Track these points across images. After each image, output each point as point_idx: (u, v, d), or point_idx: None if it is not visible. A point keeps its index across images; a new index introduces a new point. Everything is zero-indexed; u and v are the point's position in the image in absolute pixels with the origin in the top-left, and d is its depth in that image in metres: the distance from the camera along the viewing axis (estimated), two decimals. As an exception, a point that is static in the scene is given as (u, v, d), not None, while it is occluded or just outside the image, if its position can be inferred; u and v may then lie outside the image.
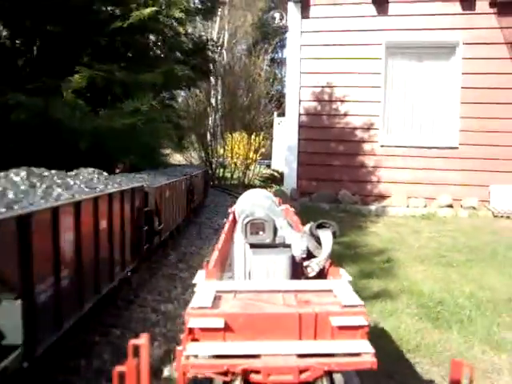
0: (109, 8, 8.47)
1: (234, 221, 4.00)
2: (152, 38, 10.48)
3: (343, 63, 12.66)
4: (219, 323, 2.15)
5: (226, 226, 3.98)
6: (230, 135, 22.28)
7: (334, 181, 12.44)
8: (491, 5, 12.05)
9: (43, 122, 6.67)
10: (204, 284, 2.63)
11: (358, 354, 2.08)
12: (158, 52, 11.18)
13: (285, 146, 13.43)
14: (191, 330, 2.14)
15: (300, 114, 12.86)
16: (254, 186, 16.46)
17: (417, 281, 6.27)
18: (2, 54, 7.50)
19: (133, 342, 2.01)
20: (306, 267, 3.04)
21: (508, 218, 11.35)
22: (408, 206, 11.97)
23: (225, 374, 2.04)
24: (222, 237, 3.65)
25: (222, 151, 21.98)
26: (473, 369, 2.02)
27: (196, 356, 2.08)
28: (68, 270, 3.82)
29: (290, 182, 12.91)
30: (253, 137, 22.29)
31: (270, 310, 2.27)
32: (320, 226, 3.08)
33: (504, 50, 12.07)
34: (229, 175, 21.40)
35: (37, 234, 3.36)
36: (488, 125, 12.02)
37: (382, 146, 12.56)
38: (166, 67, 8.69)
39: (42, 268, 3.39)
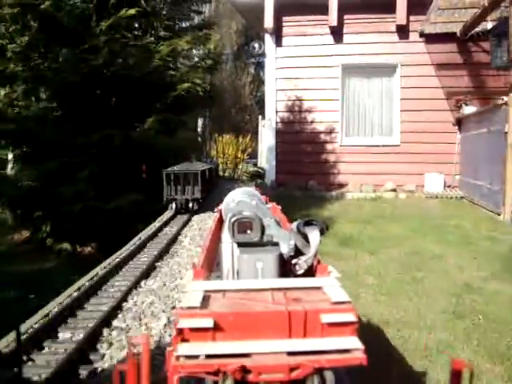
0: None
1: (221, 220, 4.24)
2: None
3: (309, 81, 16.90)
4: (209, 323, 2.22)
5: (213, 225, 4.21)
6: (219, 137, 26.10)
7: (304, 174, 16.67)
8: (420, 35, 16.39)
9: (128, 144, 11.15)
10: (192, 284, 2.72)
11: (347, 351, 2.17)
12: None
13: (265, 147, 17.74)
14: (181, 331, 2.21)
15: (277, 122, 17.13)
16: (243, 181, 20.75)
17: (342, 229, 10.63)
18: (96, 106, 11.44)
19: (133, 341, 2.12)
20: (294, 265, 3.15)
21: (436, 197, 15.67)
22: (361, 192, 16.23)
23: (216, 373, 2.09)
24: (209, 236, 3.85)
25: (213, 152, 25.75)
26: (473, 369, 2.11)
27: (187, 356, 2.15)
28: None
29: (270, 176, 17.17)
30: (240, 139, 26.32)
31: (259, 309, 2.36)
32: (307, 224, 3.24)
33: (431, 70, 16.42)
34: (221, 173, 25.38)
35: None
36: (421, 127, 16.29)
37: (341, 146, 16.83)
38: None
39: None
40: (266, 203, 4.82)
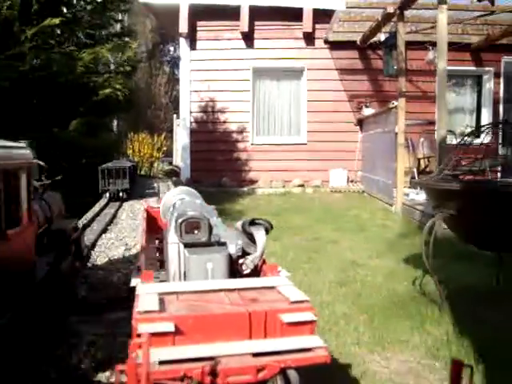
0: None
1: (149, 219, 4.21)
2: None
3: (222, 83, 17.97)
4: (169, 327, 2.25)
5: (144, 225, 4.15)
6: (135, 137, 26.66)
7: (218, 171, 17.71)
8: (325, 42, 17.91)
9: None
10: (144, 286, 2.72)
11: (310, 350, 2.28)
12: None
13: (180, 147, 18.74)
14: (140, 336, 2.18)
15: (191, 122, 18.14)
16: (160, 178, 21.67)
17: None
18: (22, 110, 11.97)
19: (134, 341, 2.12)
20: (241, 265, 3.25)
21: (340, 192, 17.19)
22: (271, 187, 17.49)
23: (181, 379, 2.12)
24: (143, 236, 3.80)
25: (129, 151, 26.23)
26: (473, 369, 2.19)
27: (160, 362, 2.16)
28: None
29: (185, 174, 18.16)
30: (156, 138, 27.04)
31: (219, 311, 2.40)
32: (252, 223, 3.35)
33: (335, 74, 17.96)
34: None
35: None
36: (326, 127, 17.78)
37: (252, 144, 18.05)
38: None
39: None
40: None
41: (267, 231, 3.45)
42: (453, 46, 16.51)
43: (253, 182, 17.85)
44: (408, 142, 15.63)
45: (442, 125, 10.58)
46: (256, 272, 3.28)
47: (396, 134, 13.29)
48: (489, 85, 18.54)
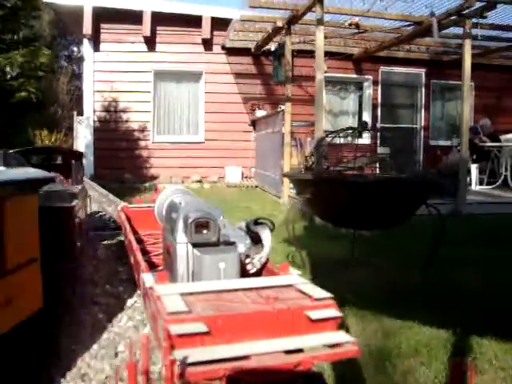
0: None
1: (129, 219, 4.23)
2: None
3: (124, 84, 19.14)
4: (201, 328, 2.29)
5: (127, 227, 4.19)
6: (37, 134, 27.16)
7: (120, 168, 18.86)
8: (222, 48, 19.62)
9: None
10: (163, 288, 2.76)
11: (339, 345, 2.33)
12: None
13: (83, 144, 19.87)
14: (174, 338, 2.25)
15: (94, 121, 19.27)
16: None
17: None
18: None
19: (133, 341, 2.06)
20: (247, 264, 3.40)
21: (235, 187, 18.92)
22: (171, 183, 18.98)
23: (220, 378, 2.15)
24: (133, 237, 3.86)
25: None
26: (473, 369, 2.35)
27: (189, 364, 2.17)
28: None
29: (89, 170, 19.29)
30: (55, 135, 27.71)
31: (246, 310, 2.46)
32: (256, 223, 3.50)
33: (231, 77, 19.67)
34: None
35: None
36: (223, 127, 19.46)
37: (153, 143, 19.36)
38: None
39: None
40: None
41: (271, 230, 3.53)
42: (337, 57, 18.87)
43: (154, 177, 19.23)
44: (296, 141, 17.68)
45: (319, 126, 12.46)
46: (260, 271, 3.34)
47: (283, 134, 15.18)
48: (368, 91, 21.03)
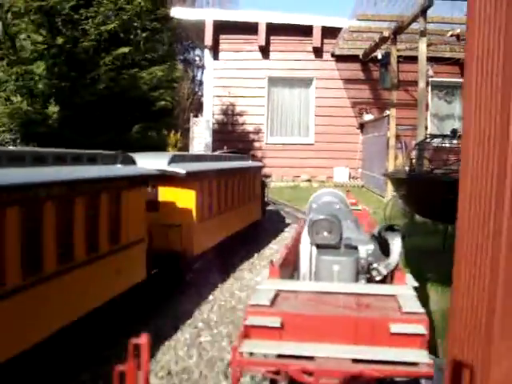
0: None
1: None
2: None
3: (241, 90, 20.96)
4: (276, 322, 2.36)
5: (297, 227, 4.43)
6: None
7: (236, 166, 21.03)
8: (332, 55, 21.09)
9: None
10: (266, 282, 2.91)
11: (413, 364, 2.21)
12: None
13: (203, 144, 22.00)
14: (248, 327, 2.36)
15: (213, 123, 21.35)
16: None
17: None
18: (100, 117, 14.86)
19: (133, 341, 2.16)
20: (373, 270, 3.33)
21: (342, 186, 20.26)
22: (282, 181, 20.65)
23: (277, 373, 2.21)
24: (294, 236, 4.07)
25: None
26: (473, 368, 2.26)
27: (251, 353, 2.31)
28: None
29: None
30: (171, 136, 30.14)
31: (327, 312, 2.47)
32: (389, 229, 3.41)
33: (340, 83, 21.05)
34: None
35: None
36: (332, 129, 20.82)
37: (266, 144, 21.11)
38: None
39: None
40: (356, 205, 5.46)
41: (404, 238, 3.50)
42: (444, 62, 19.78)
43: (267, 176, 20.92)
44: (402, 143, 18.82)
45: (420, 130, 13.61)
46: (388, 279, 3.33)
47: (388, 138, 16.43)
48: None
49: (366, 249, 3.33)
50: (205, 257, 9.06)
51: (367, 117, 20.34)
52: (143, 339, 2.19)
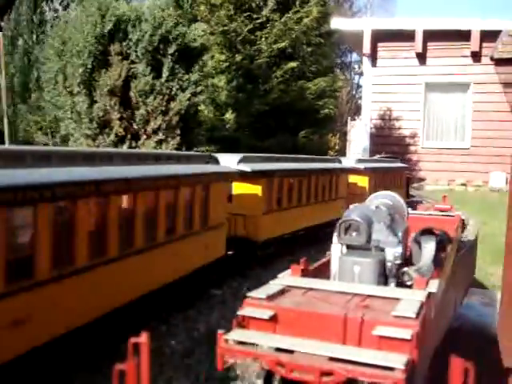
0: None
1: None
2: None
3: (398, 95, 21.88)
4: (266, 315, 2.50)
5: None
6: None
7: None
8: (490, 59, 21.34)
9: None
10: (283, 278, 3.09)
11: (389, 368, 2.26)
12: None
13: (361, 147, 23.20)
14: (241, 317, 2.51)
15: (370, 127, 22.50)
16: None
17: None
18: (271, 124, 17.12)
19: (133, 340, 2.20)
20: (403, 274, 3.36)
21: (498, 191, 20.53)
22: (437, 185, 21.20)
23: (253, 360, 2.38)
24: None
25: None
26: (473, 368, 2.22)
27: (235, 341, 2.45)
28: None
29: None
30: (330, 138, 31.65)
31: (318, 310, 2.56)
32: (426, 233, 3.52)
33: (499, 87, 21.30)
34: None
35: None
36: (488, 134, 20.73)
37: (422, 148, 21.85)
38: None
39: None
40: (448, 211, 5.50)
41: (442, 242, 3.55)
42: None
43: (421, 179, 21.78)
44: None
45: None
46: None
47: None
48: None
49: (394, 251, 3.38)
50: (274, 244, 10.32)
51: (525, 121, 20.44)
52: (143, 338, 2.27)
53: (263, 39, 15.47)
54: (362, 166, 14.05)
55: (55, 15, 19.28)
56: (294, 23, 15.70)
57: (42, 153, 5.31)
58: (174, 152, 9.50)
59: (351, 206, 3.67)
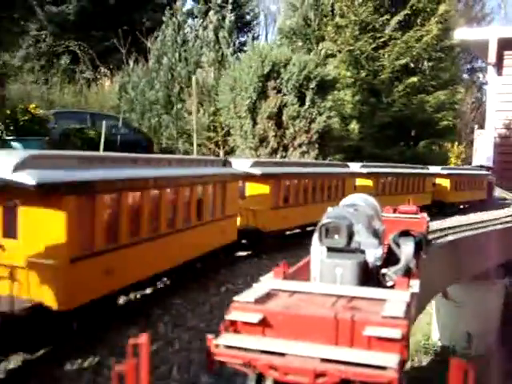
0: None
1: None
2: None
3: (525, 105, 22.36)
4: (255, 318, 2.48)
5: None
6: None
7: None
8: None
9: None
10: (266, 281, 3.07)
11: (382, 367, 2.27)
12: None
13: (484, 157, 23.47)
14: (229, 322, 2.49)
15: (495, 137, 22.82)
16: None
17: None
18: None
19: (132, 341, 2.19)
20: (384, 275, 3.41)
21: None
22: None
23: (245, 365, 2.35)
24: None
25: None
26: (473, 368, 2.25)
27: (228, 346, 2.43)
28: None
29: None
30: (455, 147, 31.92)
31: (308, 312, 2.55)
32: (404, 235, 3.54)
33: None
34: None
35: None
36: None
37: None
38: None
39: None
40: (414, 213, 5.75)
41: (419, 244, 3.57)
42: None
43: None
44: None
45: None
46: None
47: None
48: None
49: (374, 253, 3.40)
50: (279, 236, 12.26)
51: None
52: (143, 339, 2.28)
53: (386, 56, 17.26)
54: (365, 170, 15.92)
55: (195, 35, 22.73)
56: (414, 41, 17.05)
57: (132, 158, 7.75)
58: (202, 157, 14.40)
59: (329, 208, 3.71)
